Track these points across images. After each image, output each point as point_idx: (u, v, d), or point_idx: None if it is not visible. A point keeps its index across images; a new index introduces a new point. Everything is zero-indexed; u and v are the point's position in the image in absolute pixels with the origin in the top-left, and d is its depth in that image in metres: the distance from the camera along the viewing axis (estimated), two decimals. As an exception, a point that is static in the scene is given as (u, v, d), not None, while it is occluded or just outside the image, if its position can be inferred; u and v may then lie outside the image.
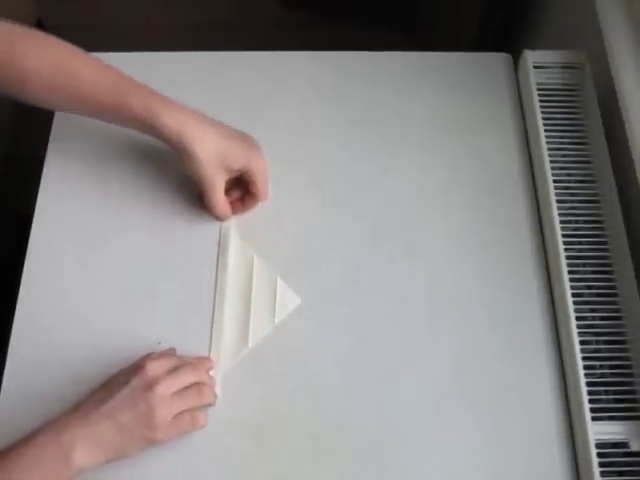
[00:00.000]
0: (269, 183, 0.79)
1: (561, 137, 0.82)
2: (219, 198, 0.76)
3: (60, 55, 0.72)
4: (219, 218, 0.78)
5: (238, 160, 0.74)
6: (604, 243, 0.77)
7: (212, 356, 0.72)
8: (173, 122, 0.71)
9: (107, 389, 0.64)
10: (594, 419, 0.68)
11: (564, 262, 0.75)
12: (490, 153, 0.86)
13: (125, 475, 0.68)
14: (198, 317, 0.75)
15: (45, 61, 0.71)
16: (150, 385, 0.63)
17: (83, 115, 0.76)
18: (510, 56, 0.92)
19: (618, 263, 0.75)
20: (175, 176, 0.82)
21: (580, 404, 0.69)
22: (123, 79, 0.73)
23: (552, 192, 0.79)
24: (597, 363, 0.71)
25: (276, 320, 0.74)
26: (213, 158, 0.73)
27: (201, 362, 0.69)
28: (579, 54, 0.87)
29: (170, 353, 0.70)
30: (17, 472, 0.60)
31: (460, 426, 0.71)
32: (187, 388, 0.66)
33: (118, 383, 0.64)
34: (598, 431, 0.67)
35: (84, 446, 0.61)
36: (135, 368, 0.65)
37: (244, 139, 0.76)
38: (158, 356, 0.67)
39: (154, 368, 0.64)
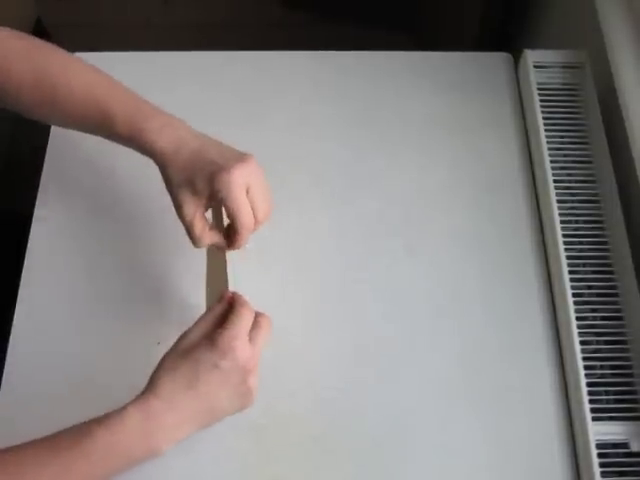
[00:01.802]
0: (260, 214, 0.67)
1: (561, 137, 0.82)
2: (188, 224, 0.66)
3: (48, 65, 0.70)
4: (194, 244, 0.68)
5: (201, 184, 0.64)
6: (605, 243, 0.77)
7: None
8: (151, 135, 0.66)
9: (192, 371, 0.59)
10: (594, 419, 0.68)
11: (564, 262, 0.75)
12: (490, 153, 0.86)
13: (124, 475, 0.68)
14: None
15: (30, 73, 0.69)
16: (246, 370, 0.60)
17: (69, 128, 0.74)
18: (510, 56, 0.92)
19: (619, 263, 0.75)
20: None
21: (580, 404, 0.68)
22: (109, 90, 0.70)
23: (552, 192, 0.78)
24: (597, 363, 0.70)
25: None
26: (181, 179, 0.65)
27: (262, 317, 0.64)
28: (579, 54, 0.87)
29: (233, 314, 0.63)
30: (93, 454, 0.58)
31: (460, 426, 0.71)
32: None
33: (204, 365, 0.59)
34: (598, 431, 0.67)
35: (171, 434, 0.60)
36: (221, 349, 0.59)
37: (220, 159, 0.64)
38: (238, 331, 0.61)
39: (243, 349, 0.60)
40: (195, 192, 0.65)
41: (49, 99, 0.70)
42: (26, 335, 0.74)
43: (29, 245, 0.78)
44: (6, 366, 0.72)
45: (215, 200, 0.65)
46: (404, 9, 1.54)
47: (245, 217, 0.64)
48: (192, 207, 0.66)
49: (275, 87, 0.90)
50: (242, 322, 0.61)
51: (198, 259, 0.78)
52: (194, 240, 0.67)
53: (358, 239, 0.80)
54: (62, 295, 0.76)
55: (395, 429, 0.71)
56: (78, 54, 0.89)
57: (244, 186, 0.64)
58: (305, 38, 1.10)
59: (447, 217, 0.82)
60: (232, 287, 0.67)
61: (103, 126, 0.69)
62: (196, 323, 0.63)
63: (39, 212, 0.81)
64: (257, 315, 0.63)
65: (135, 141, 0.67)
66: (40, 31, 1.57)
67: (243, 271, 0.76)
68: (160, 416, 0.59)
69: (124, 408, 0.59)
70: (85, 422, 0.59)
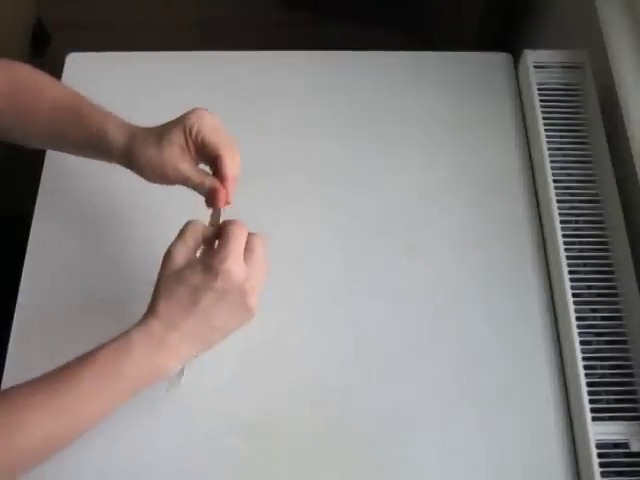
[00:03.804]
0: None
1: (561, 137, 0.82)
2: (184, 179, 0.68)
3: (23, 76, 0.73)
4: (201, 186, 0.67)
5: (175, 134, 0.66)
6: (605, 243, 0.77)
7: None
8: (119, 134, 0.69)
9: (188, 294, 0.60)
10: (594, 419, 0.68)
11: (564, 262, 0.75)
12: (490, 153, 0.86)
13: (124, 475, 0.68)
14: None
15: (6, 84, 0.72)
16: (243, 290, 0.61)
17: (37, 137, 0.75)
18: (510, 55, 0.92)
19: (619, 263, 0.75)
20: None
21: (580, 404, 0.68)
22: (82, 98, 0.73)
23: (552, 192, 0.78)
24: (597, 363, 0.70)
25: None
26: (152, 145, 0.67)
27: (254, 237, 0.64)
28: (579, 54, 0.87)
29: (225, 234, 0.63)
30: (99, 377, 0.59)
31: (460, 426, 0.71)
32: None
33: (201, 288, 0.60)
34: (598, 431, 0.67)
35: (175, 352, 0.60)
36: (215, 272, 0.60)
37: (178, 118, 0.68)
38: (230, 252, 0.60)
39: (237, 270, 0.60)
40: (171, 144, 0.66)
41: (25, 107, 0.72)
42: (26, 335, 0.74)
43: (29, 245, 0.78)
44: (6, 366, 0.72)
45: (194, 144, 0.66)
46: (404, 9, 1.54)
47: (230, 142, 0.67)
48: (182, 164, 0.67)
49: (275, 87, 0.90)
50: (235, 242, 0.61)
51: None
52: (197, 186, 0.67)
53: (358, 239, 0.80)
54: (62, 295, 0.76)
55: (395, 429, 0.71)
56: (78, 54, 0.90)
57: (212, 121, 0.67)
58: (305, 38, 1.10)
59: (447, 217, 0.82)
60: None
61: (76, 125, 0.71)
62: (181, 239, 0.63)
63: (39, 212, 0.80)
64: (250, 236, 0.63)
65: (101, 135, 0.69)
66: (40, 31, 1.57)
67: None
68: (162, 336, 0.60)
69: (127, 332, 0.60)
70: (89, 350, 0.60)
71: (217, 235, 0.64)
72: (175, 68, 0.91)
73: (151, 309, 0.61)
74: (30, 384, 0.58)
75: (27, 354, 0.73)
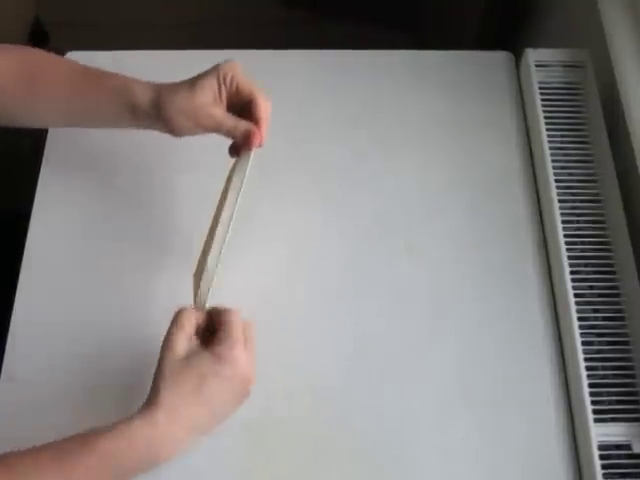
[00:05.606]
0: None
1: (563, 136, 0.82)
2: (219, 123, 0.69)
3: (31, 54, 0.74)
4: (235, 130, 0.69)
5: (208, 81, 0.69)
6: (606, 243, 0.76)
7: None
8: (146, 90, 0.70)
9: (195, 382, 0.60)
10: (596, 420, 0.67)
11: (566, 262, 0.74)
12: (491, 152, 0.85)
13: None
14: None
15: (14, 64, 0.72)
16: (248, 377, 0.62)
17: (56, 114, 0.75)
18: (512, 54, 0.92)
19: (620, 263, 0.75)
20: (176, 174, 0.82)
21: (582, 405, 0.68)
22: (98, 68, 0.74)
23: (554, 191, 0.78)
24: (599, 364, 0.70)
25: None
26: (185, 90, 0.69)
27: (247, 325, 0.65)
28: (581, 53, 0.86)
29: (228, 324, 0.63)
30: (96, 465, 0.57)
31: (461, 427, 0.71)
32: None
33: (209, 376, 0.60)
34: (600, 433, 0.67)
35: (174, 446, 0.60)
36: (224, 360, 0.60)
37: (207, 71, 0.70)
38: (236, 340, 0.61)
39: (243, 358, 0.61)
40: (204, 90, 0.68)
41: (33, 82, 0.72)
42: (24, 334, 0.74)
43: (27, 244, 0.78)
44: (4, 366, 0.72)
45: (228, 91, 0.69)
46: (404, 7, 1.54)
47: (262, 92, 0.70)
48: (216, 109, 0.69)
49: (274, 86, 0.89)
50: (236, 330, 0.62)
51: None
52: (231, 129, 0.69)
53: (357, 239, 0.80)
54: (60, 294, 0.76)
55: (395, 429, 0.71)
56: (76, 53, 0.90)
57: None
58: (304, 37, 1.10)
59: (447, 217, 0.82)
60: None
61: (94, 89, 0.72)
62: (179, 326, 0.63)
63: (37, 211, 0.80)
64: (244, 324, 0.64)
65: (129, 89, 0.70)
66: (38, 30, 1.57)
67: (242, 271, 0.76)
68: (165, 428, 0.58)
69: (128, 422, 0.58)
70: (89, 431, 0.58)
71: (209, 321, 0.64)
72: (173, 67, 0.89)
73: (154, 400, 0.59)
74: (27, 456, 0.57)
75: (25, 354, 0.73)
